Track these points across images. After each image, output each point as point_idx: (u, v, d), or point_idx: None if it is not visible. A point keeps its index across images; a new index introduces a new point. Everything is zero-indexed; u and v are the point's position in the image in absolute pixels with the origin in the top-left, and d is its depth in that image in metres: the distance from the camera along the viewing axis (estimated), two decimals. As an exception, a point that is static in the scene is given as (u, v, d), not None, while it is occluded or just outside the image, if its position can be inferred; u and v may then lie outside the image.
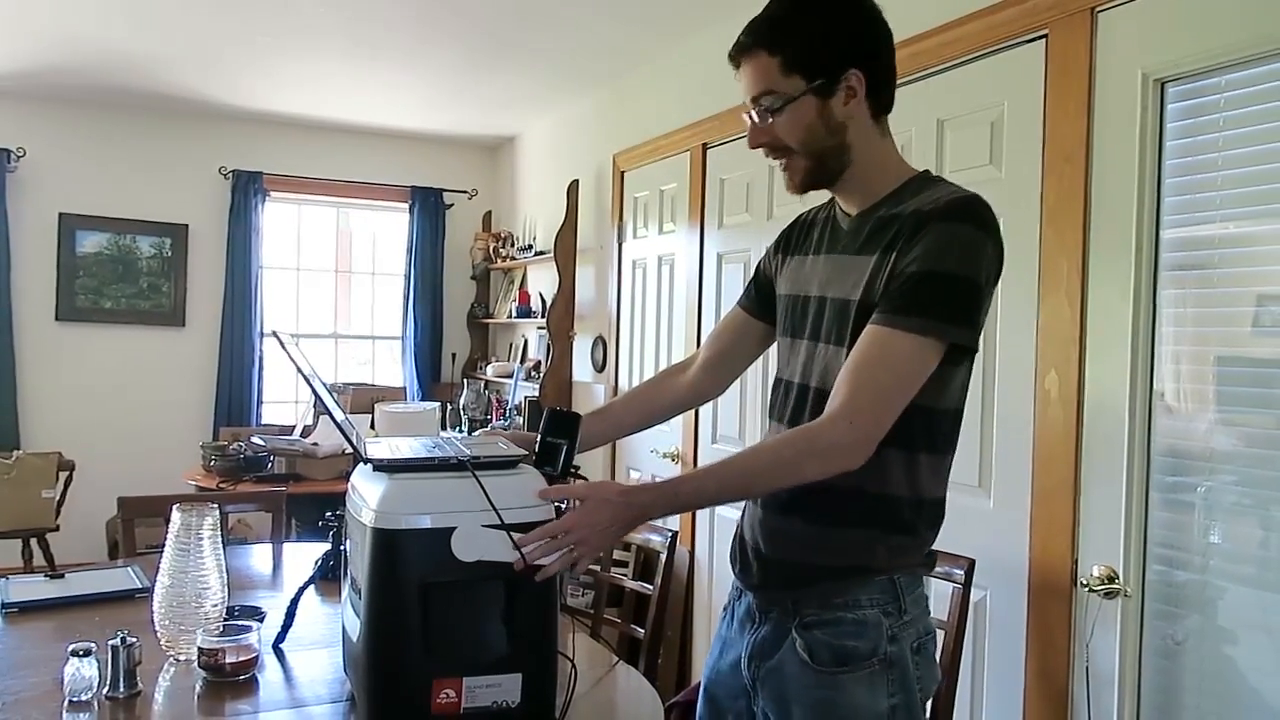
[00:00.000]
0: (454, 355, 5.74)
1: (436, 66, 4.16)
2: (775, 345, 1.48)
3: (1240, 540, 1.71)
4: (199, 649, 1.55)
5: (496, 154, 5.85)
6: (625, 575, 2.37)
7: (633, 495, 1.26)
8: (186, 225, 5.18)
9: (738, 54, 1.30)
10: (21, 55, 4.20)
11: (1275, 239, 1.66)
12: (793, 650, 1.29)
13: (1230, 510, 1.72)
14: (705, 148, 3.43)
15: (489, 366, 5.43)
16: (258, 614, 1.82)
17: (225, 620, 1.68)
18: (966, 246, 1.19)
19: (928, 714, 1.50)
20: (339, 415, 1.45)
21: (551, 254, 4.59)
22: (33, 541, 4.26)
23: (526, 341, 5.30)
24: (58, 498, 4.33)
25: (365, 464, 1.38)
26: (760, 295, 1.54)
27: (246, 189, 5.23)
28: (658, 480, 1.34)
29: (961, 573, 1.90)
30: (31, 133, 4.85)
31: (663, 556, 2.15)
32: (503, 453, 1.40)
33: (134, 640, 1.48)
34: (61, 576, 2.10)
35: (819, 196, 1.41)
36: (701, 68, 3.52)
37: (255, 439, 4.05)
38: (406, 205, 5.65)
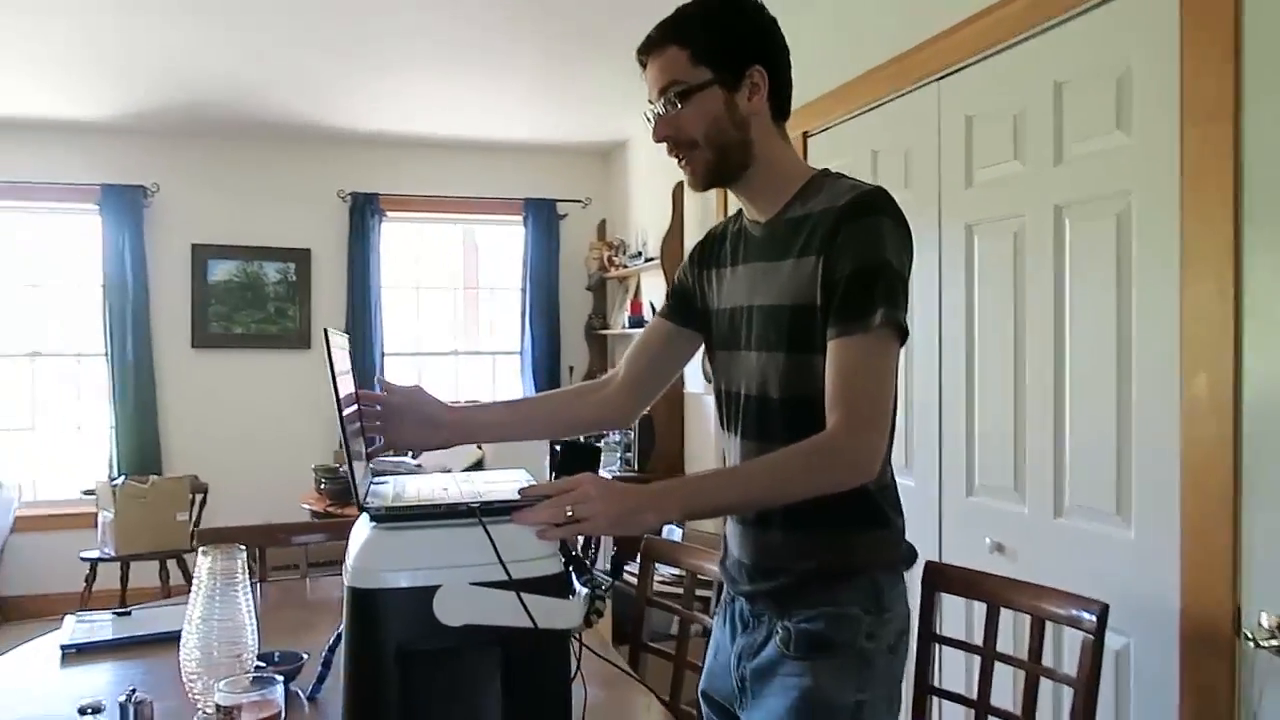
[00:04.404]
0: (571, 368, 5.65)
1: (531, 68, 4.06)
2: (713, 360, 1.48)
3: None
4: (216, 705, 1.44)
5: (609, 160, 5.73)
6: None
7: (641, 486, 1.21)
8: (309, 249, 5.31)
9: (647, 49, 1.34)
10: (150, 96, 4.40)
11: None
12: (774, 644, 1.33)
13: None
14: (806, 136, 3.16)
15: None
16: (297, 661, 1.71)
17: (256, 670, 1.57)
18: (884, 238, 1.22)
19: None
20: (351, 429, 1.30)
21: (659, 261, 4.42)
22: (170, 562, 4.43)
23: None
24: (192, 520, 4.49)
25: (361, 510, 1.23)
26: (680, 304, 1.54)
27: (364, 210, 5.31)
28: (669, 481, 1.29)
29: (1092, 618, 1.58)
30: (163, 168, 5.07)
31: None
32: (507, 497, 1.23)
33: (145, 697, 1.39)
34: (128, 614, 2.07)
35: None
36: (798, 52, 3.25)
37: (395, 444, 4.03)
38: (520, 218, 5.60)
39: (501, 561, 1.08)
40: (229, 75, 4.10)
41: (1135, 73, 1.85)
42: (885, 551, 1.33)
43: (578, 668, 1.27)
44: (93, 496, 4.51)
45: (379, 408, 1.60)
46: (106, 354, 4.97)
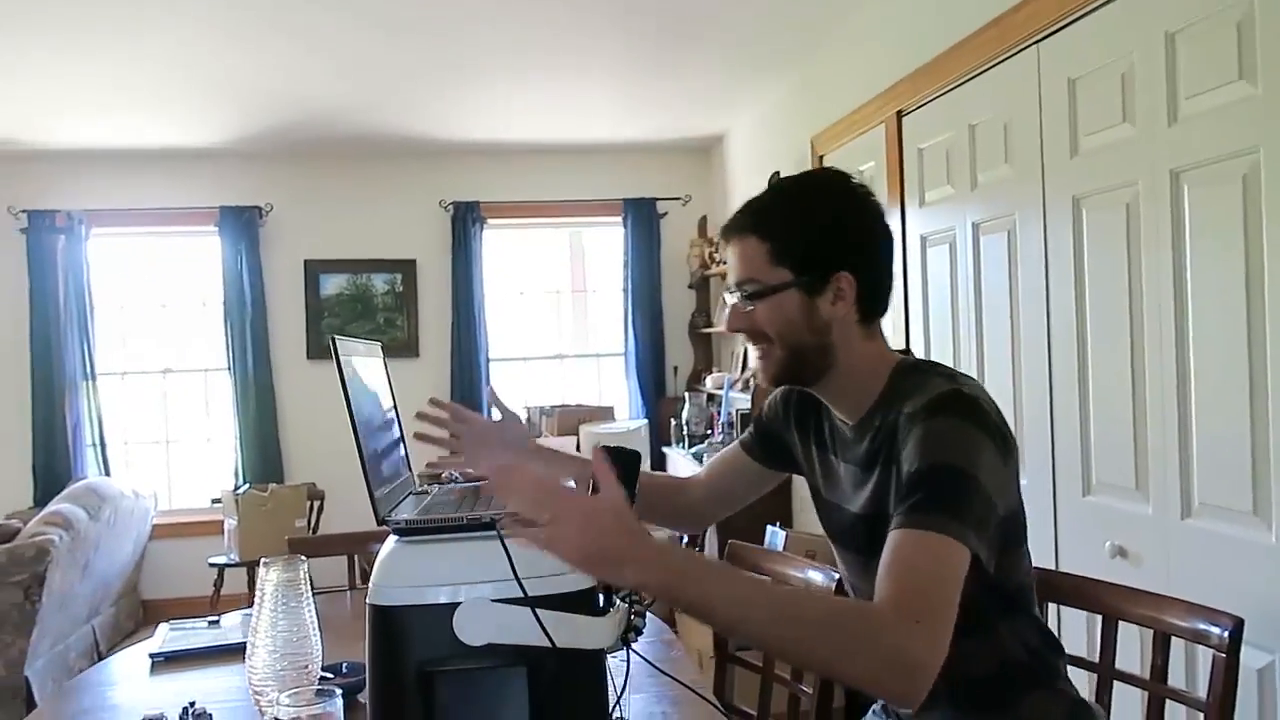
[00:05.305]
0: (675, 368, 5.56)
1: (624, 69, 4.01)
2: (835, 551, 1.37)
3: None
4: (275, 719, 1.43)
5: (708, 155, 5.62)
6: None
7: (638, 536, 0.98)
8: (414, 260, 5.40)
9: (729, 233, 1.25)
10: (260, 121, 4.58)
11: None
12: None
13: None
14: (900, 115, 2.99)
15: (709, 378, 5.19)
16: (364, 672, 1.68)
17: (321, 681, 1.55)
18: (950, 437, 1.09)
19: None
20: (368, 445, 1.26)
21: (757, 254, 4.28)
22: (290, 567, 4.57)
23: (746, 350, 5.00)
24: (310, 526, 4.63)
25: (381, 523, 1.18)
26: (768, 447, 1.48)
27: (465, 219, 5.37)
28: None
29: (1222, 633, 1.38)
30: (276, 189, 5.25)
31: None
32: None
33: (205, 709, 1.39)
34: (218, 622, 2.11)
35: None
36: (890, 25, 3.08)
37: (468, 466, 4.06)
38: (620, 218, 5.56)
39: (517, 576, 1.00)
40: (331, 97, 4.21)
41: (1259, 13, 1.63)
42: (1061, 704, 1.26)
43: (624, 686, 1.19)
44: (220, 505, 4.72)
45: (464, 426, 1.59)
46: (229, 368, 5.19)
